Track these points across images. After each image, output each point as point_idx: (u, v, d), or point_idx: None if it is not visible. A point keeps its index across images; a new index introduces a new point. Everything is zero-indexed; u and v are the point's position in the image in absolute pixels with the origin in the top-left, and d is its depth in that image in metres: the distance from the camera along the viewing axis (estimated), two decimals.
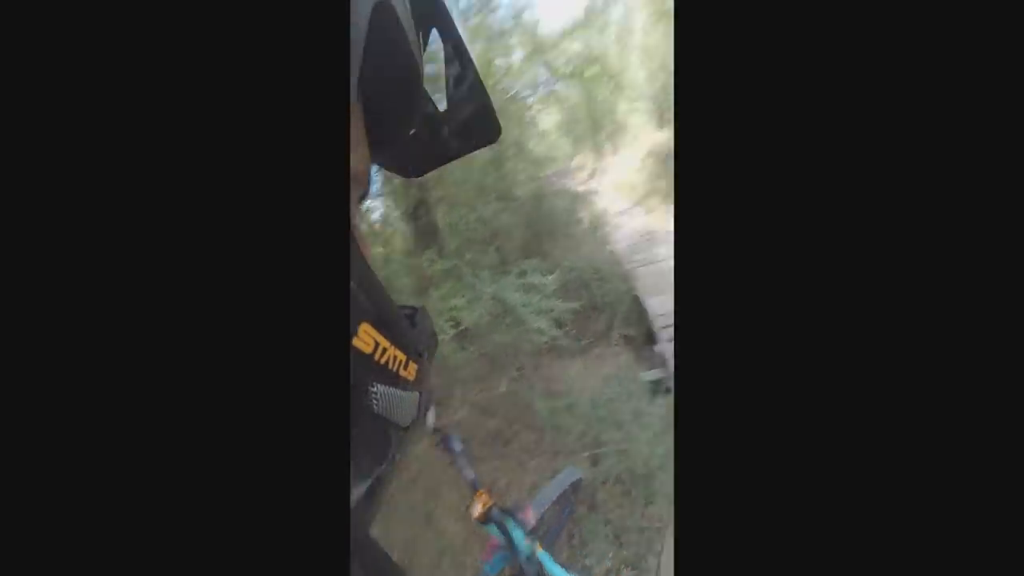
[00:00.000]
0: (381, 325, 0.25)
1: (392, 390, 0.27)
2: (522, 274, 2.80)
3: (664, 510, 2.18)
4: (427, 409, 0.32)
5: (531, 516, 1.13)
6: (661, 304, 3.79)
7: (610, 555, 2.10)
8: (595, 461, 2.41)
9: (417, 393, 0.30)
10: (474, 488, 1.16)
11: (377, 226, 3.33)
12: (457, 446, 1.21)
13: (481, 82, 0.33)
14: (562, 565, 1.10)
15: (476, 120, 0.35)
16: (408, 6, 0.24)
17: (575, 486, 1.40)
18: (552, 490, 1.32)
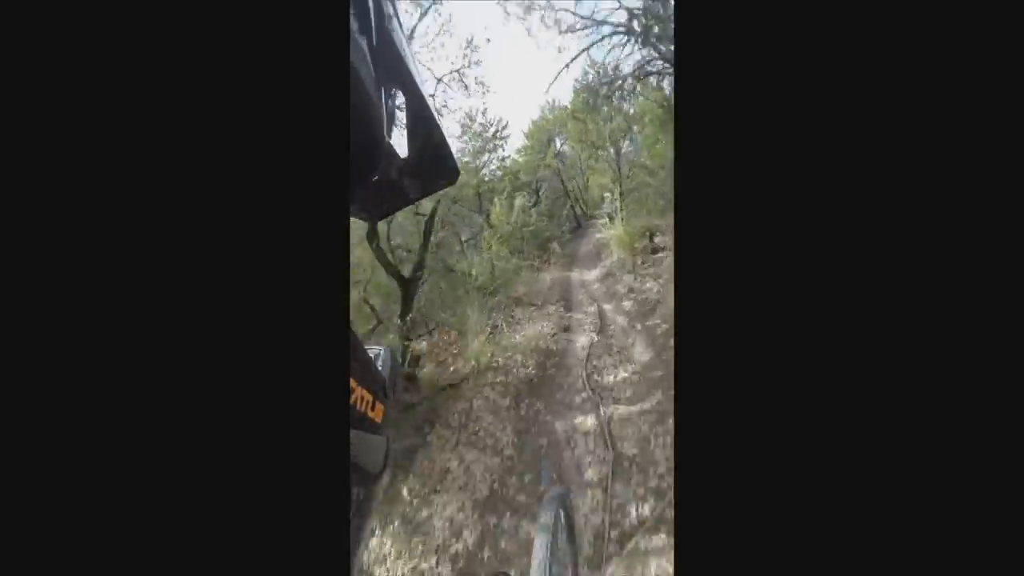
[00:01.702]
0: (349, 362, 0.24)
1: (363, 434, 0.26)
2: None
3: None
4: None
5: None
6: None
7: None
8: None
9: (385, 438, 0.29)
10: None
11: None
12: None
13: (441, 130, 0.36)
14: None
15: (436, 164, 0.37)
16: (372, 70, 0.27)
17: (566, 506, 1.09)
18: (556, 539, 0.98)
